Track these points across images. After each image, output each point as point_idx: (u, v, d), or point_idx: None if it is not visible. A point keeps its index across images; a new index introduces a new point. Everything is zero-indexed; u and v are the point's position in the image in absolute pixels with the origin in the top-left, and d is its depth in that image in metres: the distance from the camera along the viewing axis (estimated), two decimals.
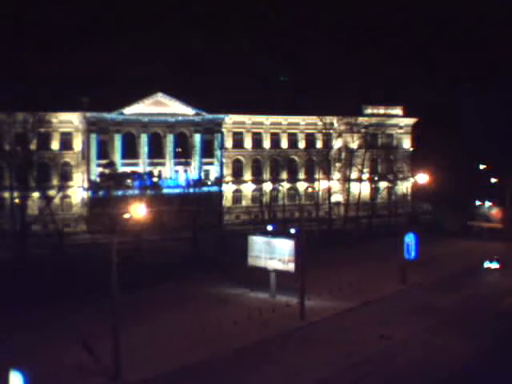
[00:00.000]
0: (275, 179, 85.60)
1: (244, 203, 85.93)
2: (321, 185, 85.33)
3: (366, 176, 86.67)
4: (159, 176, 79.30)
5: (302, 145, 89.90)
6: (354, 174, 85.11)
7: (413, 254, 50.13)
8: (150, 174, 78.04)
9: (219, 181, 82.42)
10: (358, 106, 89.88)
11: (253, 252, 46.10)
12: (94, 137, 76.46)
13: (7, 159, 66.24)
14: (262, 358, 33.98)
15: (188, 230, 65.21)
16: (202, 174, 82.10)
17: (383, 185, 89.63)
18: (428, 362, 33.34)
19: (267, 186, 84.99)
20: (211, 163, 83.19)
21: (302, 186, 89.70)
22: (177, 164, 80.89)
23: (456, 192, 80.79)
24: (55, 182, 73.92)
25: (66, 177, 75.95)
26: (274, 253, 44.81)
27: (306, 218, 64.26)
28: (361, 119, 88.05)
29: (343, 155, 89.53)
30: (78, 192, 77.34)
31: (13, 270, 50.29)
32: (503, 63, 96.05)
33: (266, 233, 48.74)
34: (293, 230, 49.03)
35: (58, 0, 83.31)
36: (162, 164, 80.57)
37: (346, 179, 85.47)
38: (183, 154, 79.48)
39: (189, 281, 50.22)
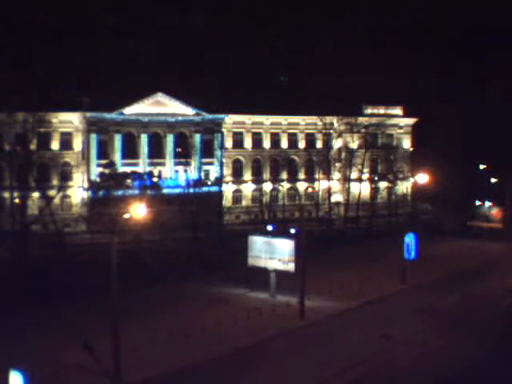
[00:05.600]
0: (275, 179, 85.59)
1: (244, 203, 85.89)
2: (321, 185, 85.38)
3: (366, 176, 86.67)
4: (159, 176, 79.28)
5: (302, 145, 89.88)
6: (354, 174, 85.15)
7: (413, 253, 50.14)
8: (150, 174, 78.01)
9: (219, 181, 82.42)
10: (357, 106, 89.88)
11: (253, 252, 46.10)
12: (93, 137, 76.46)
13: (7, 159, 66.22)
14: (261, 358, 33.97)
15: (188, 230, 65.21)
16: (202, 174, 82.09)
17: (383, 185, 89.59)
18: (428, 362, 33.35)
19: (267, 186, 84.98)
20: (211, 163, 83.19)
21: (301, 186, 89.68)
22: (177, 164, 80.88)
23: (456, 192, 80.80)
24: (55, 182, 73.87)
25: (66, 177, 75.86)
26: (274, 253, 44.82)
27: (306, 218, 64.18)
28: (361, 119, 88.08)
29: (343, 155, 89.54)
30: (77, 192, 77.33)
31: (13, 270, 50.28)
32: (503, 62, 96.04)
33: (266, 233, 48.74)
34: (293, 230, 49.01)
35: (58, 0, 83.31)
36: (162, 164, 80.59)
37: (346, 179, 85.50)
38: (183, 154, 79.46)
39: (189, 281, 50.25)
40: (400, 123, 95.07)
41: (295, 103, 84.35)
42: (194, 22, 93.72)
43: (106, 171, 74.05)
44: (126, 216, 33.88)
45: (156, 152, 79.91)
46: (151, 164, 79.66)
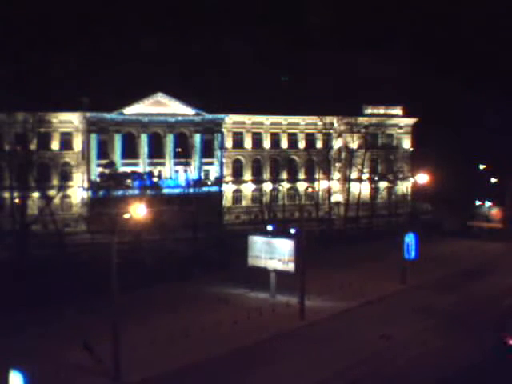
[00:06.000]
0: (275, 179, 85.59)
1: (244, 203, 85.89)
2: (321, 185, 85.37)
3: (366, 176, 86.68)
4: (159, 176, 79.30)
5: (302, 145, 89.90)
6: (354, 174, 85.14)
7: (413, 253, 50.14)
8: (150, 174, 78.04)
9: (219, 181, 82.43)
10: (357, 106, 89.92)
11: (253, 252, 46.09)
12: (93, 137, 76.47)
13: (7, 159, 66.23)
14: (261, 358, 33.97)
15: (188, 230, 65.21)
16: (202, 174, 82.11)
17: (383, 185, 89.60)
18: (428, 362, 33.35)
19: (267, 186, 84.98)
20: (211, 163, 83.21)
21: (301, 186, 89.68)
22: (177, 164, 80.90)
23: (456, 192, 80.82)
24: (55, 181, 73.86)
25: (66, 177, 75.88)
26: (274, 253, 44.81)
27: (305, 218, 64.20)
28: (361, 119, 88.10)
29: (343, 155, 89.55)
30: (78, 192, 77.33)
31: (13, 270, 50.28)
32: (503, 62, 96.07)
33: (266, 233, 48.74)
34: (293, 230, 49.01)
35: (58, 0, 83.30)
36: (162, 164, 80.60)
37: (346, 179, 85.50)
38: (183, 154, 79.48)
39: (189, 281, 50.25)
40: (400, 123, 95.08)
41: (295, 103, 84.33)
42: (194, 22, 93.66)
43: (106, 171, 74.08)
44: (126, 216, 33.85)
45: (156, 152, 79.93)
46: (151, 164, 79.66)
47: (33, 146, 67.80)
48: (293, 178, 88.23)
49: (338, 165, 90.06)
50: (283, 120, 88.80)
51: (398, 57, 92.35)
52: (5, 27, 72.12)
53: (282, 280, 44.98)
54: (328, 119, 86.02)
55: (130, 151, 78.44)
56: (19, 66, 68.79)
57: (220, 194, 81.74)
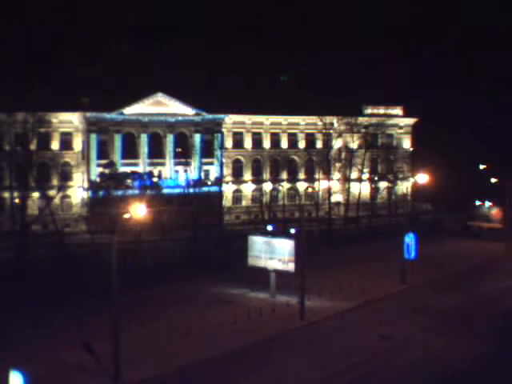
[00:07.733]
0: (275, 179, 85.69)
1: (244, 203, 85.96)
2: (321, 185, 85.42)
3: (366, 176, 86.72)
4: (159, 176, 79.35)
5: (302, 145, 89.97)
6: (354, 174, 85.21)
7: (413, 253, 50.12)
8: (150, 174, 78.10)
9: (219, 181, 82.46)
10: (358, 106, 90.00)
11: (253, 252, 46.06)
12: (93, 137, 76.51)
13: (7, 159, 66.28)
14: (261, 358, 33.96)
15: (188, 230, 65.14)
16: (202, 174, 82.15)
17: (383, 185, 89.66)
18: (428, 362, 33.32)
19: (267, 186, 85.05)
20: (211, 163, 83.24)
21: (301, 185, 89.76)
22: (177, 164, 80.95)
23: (456, 192, 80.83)
24: (55, 182, 73.94)
25: (65, 177, 75.98)
26: (274, 253, 44.77)
27: (305, 218, 64.21)
28: (361, 119, 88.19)
29: (343, 155, 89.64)
30: (78, 192, 77.38)
31: (13, 269, 50.28)
32: (503, 63, 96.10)
33: (266, 233, 48.67)
34: (293, 230, 48.97)
35: (58, 0, 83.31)
36: (162, 164, 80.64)
37: (346, 179, 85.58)
38: (183, 154, 79.55)
39: (189, 281, 50.19)
40: (400, 123, 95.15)
41: (295, 103, 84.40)
42: (194, 22, 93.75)
43: (106, 171, 74.18)
44: (126, 216, 33.85)
45: (156, 152, 79.99)
46: (151, 164, 79.70)
47: (33, 146, 67.84)
48: (293, 178, 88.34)
49: (338, 165, 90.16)
50: (283, 120, 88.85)
51: (398, 57, 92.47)
52: (5, 27, 72.18)
53: (281, 280, 44.96)
54: (328, 119, 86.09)
55: (130, 151, 78.51)
56: (20, 66, 68.79)
57: (220, 194, 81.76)
